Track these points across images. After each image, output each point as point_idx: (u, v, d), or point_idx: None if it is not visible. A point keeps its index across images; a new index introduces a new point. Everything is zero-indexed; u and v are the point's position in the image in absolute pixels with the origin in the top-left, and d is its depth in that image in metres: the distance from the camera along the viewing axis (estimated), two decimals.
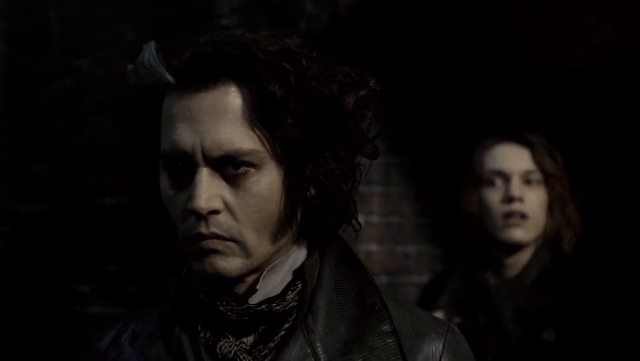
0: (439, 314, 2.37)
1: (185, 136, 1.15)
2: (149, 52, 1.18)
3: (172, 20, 3.90)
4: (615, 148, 3.94)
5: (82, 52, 4.44)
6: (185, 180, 1.17)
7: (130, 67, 1.21)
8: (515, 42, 3.51)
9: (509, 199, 2.36)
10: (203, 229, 1.15)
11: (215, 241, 1.16)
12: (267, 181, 1.16)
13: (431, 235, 3.63)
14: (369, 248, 3.49)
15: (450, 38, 3.45)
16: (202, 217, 1.15)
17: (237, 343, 1.20)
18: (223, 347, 1.19)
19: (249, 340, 1.21)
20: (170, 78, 1.17)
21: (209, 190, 1.15)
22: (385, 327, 1.20)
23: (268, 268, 1.21)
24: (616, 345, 2.30)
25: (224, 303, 1.20)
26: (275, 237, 1.19)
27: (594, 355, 2.27)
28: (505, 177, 2.39)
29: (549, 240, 2.41)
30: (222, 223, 1.16)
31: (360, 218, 3.87)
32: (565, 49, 3.57)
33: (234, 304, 1.20)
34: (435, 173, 3.56)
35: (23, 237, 4.76)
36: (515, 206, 2.36)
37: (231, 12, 3.60)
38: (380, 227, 3.53)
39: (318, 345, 1.19)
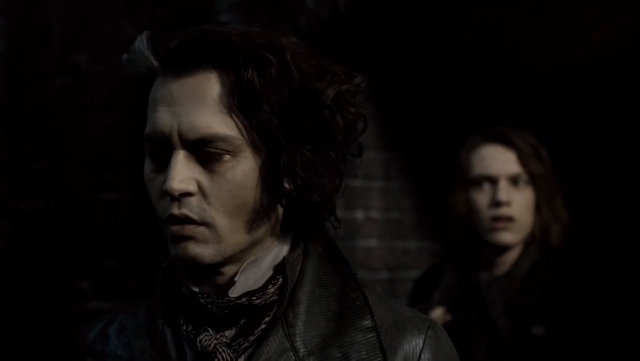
0: (432, 311, 2.39)
1: (164, 118, 1.17)
2: (140, 40, 1.21)
3: (171, 16, 3.91)
4: (614, 144, 3.95)
5: (81, 49, 4.45)
6: (163, 163, 1.18)
7: (124, 56, 1.24)
8: (514, 38, 3.52)
9: (496, 203, 2.38)
10: (175, 210, 1.16)
11: (187, 227, 1.16)
12: (243, 168, 1.17)
13: (431, 230, 3.64)
14: (369, 244, 3.49)
15: (449, 34, 3.45)
16: (175, 198, 1.16)
17: (217, 336, 1.20)
18: (203, 340, 1.19)
19: (230, 333, 1.21)
20: (155, 63, 1.20)
21: (183, 172, 1.16)
22: (366, 322, 1.21)
23: (248, 261, 1.21)
24: (604, 339, 2.32)
25: (205, 295, 1.20)
26: (251, 226, 1.19)
27: (582, 349, 2.28)
28: (493, 180, 2.41)
29: (537, 237, 2.43)
30: (194, 206, 1.16)
31: (360, 214, 3.87)
32: (565, 46, 3.57)
33: (214, 297, 1.20)
34: (435, 169, 3.56)
35: (23, 234, 4.76)
36: (503, 210, 2.39)
37: (230, 8, 3.61)
38: (380, 222, 3.53)
39: (297, 339, 1.19)
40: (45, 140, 4.66)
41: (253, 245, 1.21)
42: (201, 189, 1.17)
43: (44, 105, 4.67)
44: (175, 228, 1.17)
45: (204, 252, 1.17)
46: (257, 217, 1.19)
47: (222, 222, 1.17)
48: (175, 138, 1.16)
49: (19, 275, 4.69)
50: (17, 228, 4.81)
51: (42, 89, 4.68)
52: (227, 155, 1.16)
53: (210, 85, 1.17)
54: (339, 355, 1.18)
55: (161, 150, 1.18)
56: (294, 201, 1.21)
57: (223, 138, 1.15)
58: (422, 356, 1.21)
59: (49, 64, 4.64)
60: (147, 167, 1.21)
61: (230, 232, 1.18)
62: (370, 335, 1.20)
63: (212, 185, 1.16)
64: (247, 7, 3.53)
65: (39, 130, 4.71)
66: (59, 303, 4.43)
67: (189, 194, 1.16)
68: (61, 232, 4.48)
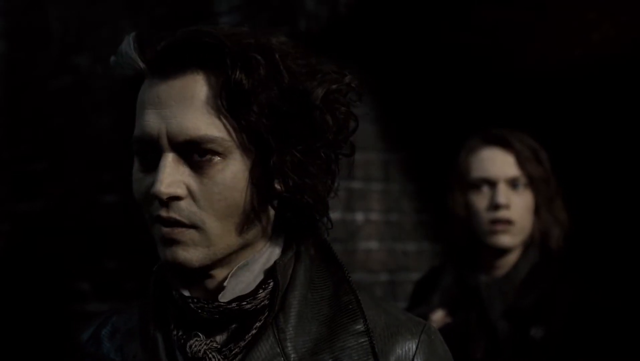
0: (432, 313, 2.40)
1: (152, 121, 1.15)
2: (127, 42, 1.20)
3: (171, 18, 3.91)
4: (614, 144, 3.95)
5: (81, 49, 4.45)
6: (152, 165, 1.17)
7: (112, 58, 1.23)
8: (514, 38, 3.52)
9: (495, 206, 2.39)
10: (163, 213, 1.14)
11: (177, 230, 1.15)
12: (232, 170, 1.15)
13: (431, 232, 3.64)
14: (369, 246, 3.49)
15: (449, 34, 3.45)
16: (164, 202, 1.14)
17: (208, 341, 1.18)
18: (193, 346, 1.18)
19: (221, 338, 1.20)
20: (142, 66, 1.18)
21: (171, 175, 1.14)
22: (359, 326, 1.19)
23: (239, 265, 1.19)
24: (604, 341, 2.32)
25: (195, 300, 1.18)
26: (242, 229, 1.17)
27: (581, 351, 2.28)
28: (491, 183, 2.42)
29: (537, 239, 2.43)
30: (183, 209, 1.14)
31: (360, 216, 3.86)
32: (565, 46, 3.57)
33: (204, 302, 1.18)
34: (435, 170, 3.56)
35: (23, 235, 4.77)
36: (502, 213, 2.39)
37: (231, 10, 3.61)
38: (380, 224, 3.53)
39: (288, 344, 1.17)
40: (45, 140, 4.66)
41: (244, 247, 1.20)
42: (190, 192, 1.15)
43: (44, 105, 4.67)
44: (164, 230, 1.15)
45: (193, 256, 1.16)
46: (247, 219, 1.17)
47: (212, 224, 1.15)
48: (164, 141, 1.15)
49: (19, 276, 4.70)
50: (17, 229, 4.81)
51: (42, 89, 4.68)
52: (217, 157, 1.15)
53: (198, 86, 1.15)
54: (331, 360, 1.17)
55: (150, 153, 1.17)
56: (285, 202, 1.19)
57: (212, 140, 1.14)
58: (415, 360, 1.19)
59: (49, 65, 4.64)
60: (135, 169, 1.20)
61: (221, 235, 1.16)
62: (363, 340, 1.18)
63: (202, 187, 1.15)
64: (247, 9, 3.53)
65: (39, 130, 4.71)
66: (59, 304, 4.43)
67: (177, 198, 1.14)
68: (61, 233, 4.48)
